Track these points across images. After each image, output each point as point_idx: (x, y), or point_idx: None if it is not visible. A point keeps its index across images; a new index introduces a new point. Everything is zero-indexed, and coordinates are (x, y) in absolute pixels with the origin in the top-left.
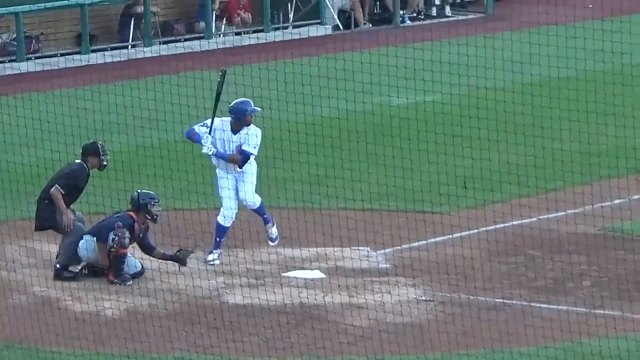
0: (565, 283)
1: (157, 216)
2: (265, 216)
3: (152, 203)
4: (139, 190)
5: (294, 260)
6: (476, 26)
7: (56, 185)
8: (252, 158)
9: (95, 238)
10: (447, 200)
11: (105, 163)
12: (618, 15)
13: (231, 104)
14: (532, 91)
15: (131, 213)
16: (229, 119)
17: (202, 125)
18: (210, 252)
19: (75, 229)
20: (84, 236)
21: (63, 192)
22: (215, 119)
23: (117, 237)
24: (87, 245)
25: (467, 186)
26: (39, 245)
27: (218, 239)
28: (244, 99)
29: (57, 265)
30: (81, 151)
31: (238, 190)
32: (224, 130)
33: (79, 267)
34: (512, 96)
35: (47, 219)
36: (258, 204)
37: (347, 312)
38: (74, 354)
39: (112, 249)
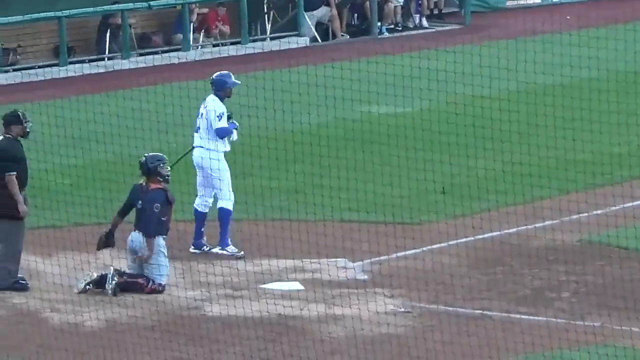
0: (546, 294)
1: (168, 176)
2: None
3: (161, 165)
4: (145, 155)
5: (272, 271)
6: (454, 37)
7: (6, 173)
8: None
9: (142, 234)
10: (428, 210)
11: (28, 130)
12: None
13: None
14: (516, 98)
15: (153, 185)
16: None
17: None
18: (227, 245)
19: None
20: (132, 233)
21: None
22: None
23: (159, 287)
24: (139, 238)
25: (448, 193)
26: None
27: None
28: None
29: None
30: (2, 123)
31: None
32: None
33: (84, 283)
34: (498, 103)
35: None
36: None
37: (325, 324)
38: None
39: (152, 285)
